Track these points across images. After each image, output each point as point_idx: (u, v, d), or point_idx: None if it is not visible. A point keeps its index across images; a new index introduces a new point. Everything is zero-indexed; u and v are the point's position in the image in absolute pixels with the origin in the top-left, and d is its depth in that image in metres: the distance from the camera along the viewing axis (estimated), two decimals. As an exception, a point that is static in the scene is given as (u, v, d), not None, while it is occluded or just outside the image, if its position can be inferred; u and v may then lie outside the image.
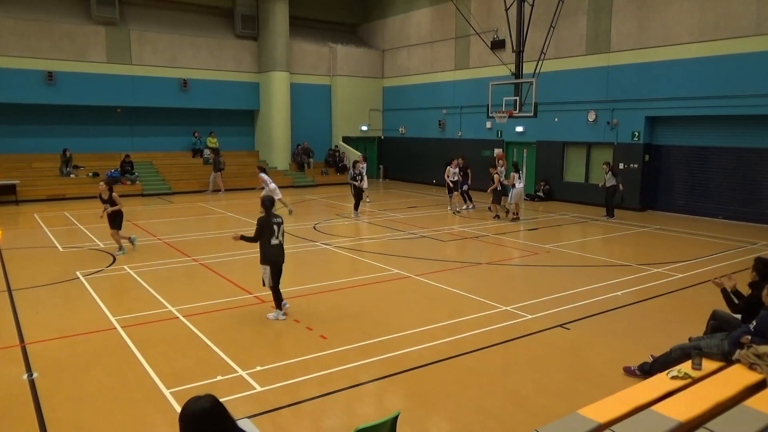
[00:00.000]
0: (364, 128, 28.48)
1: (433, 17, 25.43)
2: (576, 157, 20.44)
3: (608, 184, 16.40)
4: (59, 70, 21.38)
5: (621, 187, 16.45)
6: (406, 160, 27.66)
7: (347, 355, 6.47)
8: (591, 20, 19.12)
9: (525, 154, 22.42)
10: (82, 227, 14.76)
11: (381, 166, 29.26)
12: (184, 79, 23.94)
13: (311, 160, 26.76)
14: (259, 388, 5.61)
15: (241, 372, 5.97)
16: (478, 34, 20.80)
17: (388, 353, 6.52)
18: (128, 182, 21.75)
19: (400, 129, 27.87)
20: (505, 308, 8.23)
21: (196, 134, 24.98)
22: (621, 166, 18.34)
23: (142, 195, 21.59)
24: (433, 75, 25.56)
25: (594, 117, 19.18)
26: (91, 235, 13.56)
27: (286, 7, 25.15)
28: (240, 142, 26.82)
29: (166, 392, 5.52)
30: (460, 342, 6.91)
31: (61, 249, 12.22)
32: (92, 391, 5.60)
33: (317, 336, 7.07)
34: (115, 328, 7.32)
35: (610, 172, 16.37)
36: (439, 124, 25.38)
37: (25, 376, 5.89)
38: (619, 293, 9.04)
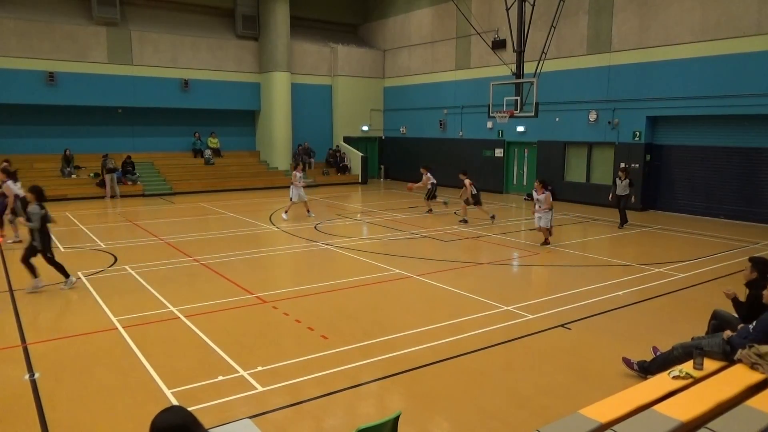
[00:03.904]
0: (365, 128, 28.49)
1: (433, 17, 25.44)
2: (577, 157, 20.43)
3: (620, 192, 14.86)
4: (60, 71, 21.40)
5: (633, 199, 14.94)
6: (407, 160, 27.64)
7: (348, 355, 6.47)
8: (592, 20, 19.12)
9: (526, 154, 22.43)
10: (83, 228, 14.77)
11: (382, 166, 29.27)
12: (185, 80, 23.96)
13: (312, 160, 26.76)
14: (260, 389, 5.61)
15: (242, 372, 5.97)
16: (479, 33, 20.78)
17: (389, 353, 6.52)
18: (129, 182, 21.79)
19: (401, 129, 27.88)
20: (506, 308, 8.23)
21: (196, 134, 25.01)
22: (622, 165, 18.33)
23: (144, 195, 21.61)
24: (434, 75, 25.57)
25: (595, 117, 19.18)
26: (92, 236, 13.58)
27: (287, 8, 25.16)
28: (241, 143, 26.84)
29: (168, 392, 5.52)
30: (461, 342, 6.90)
31: (62, 249, 12.23)
32: (94, 392, 5.60)
33: (318, 336, 7.07)
34: (117, 328, 7.32)
35: (627, 179, 14.83)
36: (440, 124, 25.38)
37: (27, 377, 5.89)
38: (620, 293, 9.04)
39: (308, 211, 16.62)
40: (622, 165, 17.62)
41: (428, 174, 17.79)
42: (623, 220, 15.11)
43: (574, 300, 8.61)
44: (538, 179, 12.97)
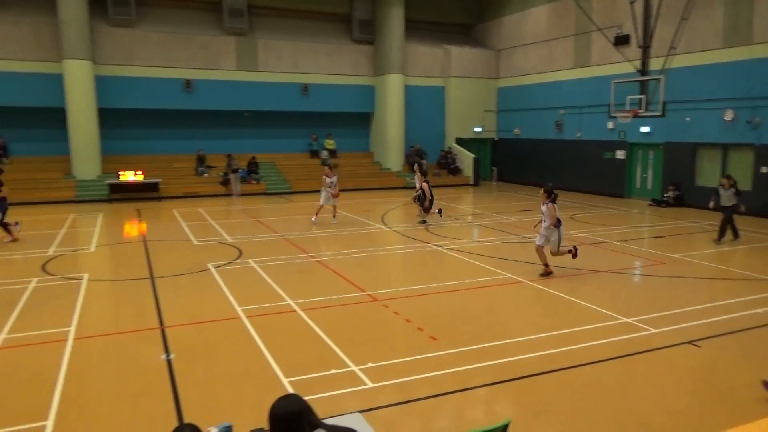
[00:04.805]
0: (478, 129, 28.17)
1: (550, 14, 24.58)
2: (710, 160, 18.75)
3: (725, 203, 12.98)
4: (195, 78, 23.39)
5: (743, 208, 13.02)
6: (520, 161, 26.98)
7: (458, 358, 6.45)
8: (729, 10, 17.44)
9: (651, 156, 20.98)
10: (213, 223, 16.01)
11: (494, 168, 28.79)
12: (305, 84, 25.15)
13: (424, 161, 26.87)
14: (370, 384, 5.76)
15: (353, 367, 6.16)
16: (600, 30, 19.80)
17: (500, 359, 6.41)
18: (254, 181, 23.26)
19: (514, 130, 27.24)
20: (626, 320, 7.76)
21: (313, 137, 26.16)
22: (764, 170, 16.58)
23: (266, 194, 22.98)
24: (551, 74, 24.69)
25: (731, 116, 17.49)
26: (221, 230, 14.66)
27: (402, 11, 25.53)
28: (356, 144, 27.67)
29: (285, 381, 5.84)
30: (576, 352, 6.63)
31: (195, 242, 13.35)
32: (219, 375, 6.07)
33: (427, 337, 7.12)
34: (240, 317, 7.87)
35: (732, 188, 12.94)
36: (556, 125, 24.47)
37: (164, 357, 6.51)
38: (759, 310, 8.18)
39: (334, 216, 15.89)
40: (727, 173, 15.56)
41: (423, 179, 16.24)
42: (734, 234, 13.29)
43: (704, 315, 7.94)
44: (543, 188, 10.14)
